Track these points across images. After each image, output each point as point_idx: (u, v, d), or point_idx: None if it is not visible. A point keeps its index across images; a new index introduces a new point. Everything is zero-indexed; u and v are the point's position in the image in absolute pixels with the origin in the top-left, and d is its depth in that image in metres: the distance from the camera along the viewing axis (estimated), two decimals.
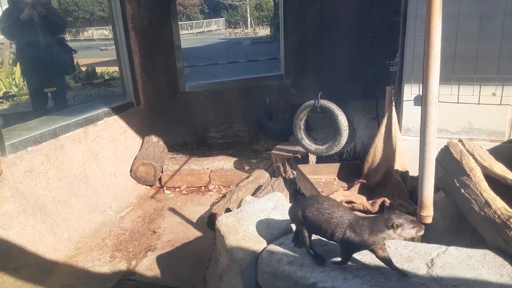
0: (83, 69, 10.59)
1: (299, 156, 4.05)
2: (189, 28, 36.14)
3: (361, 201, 3.15)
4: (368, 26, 3.84)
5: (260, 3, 37.65)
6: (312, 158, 4.12)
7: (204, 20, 38.10)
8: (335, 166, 3.78)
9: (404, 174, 3.24)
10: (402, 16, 3.16)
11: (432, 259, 1.92)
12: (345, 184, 3.66)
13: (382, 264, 1.84)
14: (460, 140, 2.83)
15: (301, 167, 3.68)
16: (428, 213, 1.86)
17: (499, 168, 2.54)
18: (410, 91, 3.29)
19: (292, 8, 6.26)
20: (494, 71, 3.05)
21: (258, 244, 2.15)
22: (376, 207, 2.99)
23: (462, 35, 3.05)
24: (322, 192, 3.48)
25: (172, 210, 4.10)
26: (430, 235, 2.72)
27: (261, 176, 4.22)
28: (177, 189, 4.60)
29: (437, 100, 1.82)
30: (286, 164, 4.09)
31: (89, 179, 4.09)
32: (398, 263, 1.89)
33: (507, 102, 3.11)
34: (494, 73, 3.05)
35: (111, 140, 4.54)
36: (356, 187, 3.40)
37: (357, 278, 1.79)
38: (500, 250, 2.05)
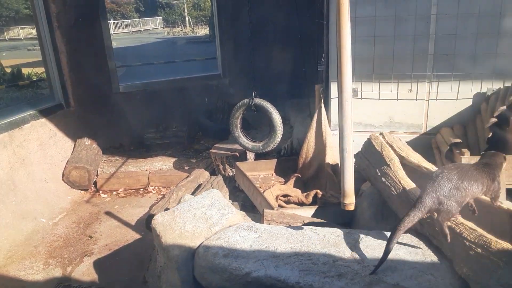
0: (8, 70, 9.86)
1: (237, 154, 4.13)
2: (124, 27, 34.85)
3: (296, 194, 3.31)
4: (297, 27, 4.02)
5: (198, 2, 37.28)
6: (251, 155, 4.23)
7: (140, 19, 36.95)
8: (273, 162, 3.92)
9: (335, 167, 3.44)
10: (325, 18, 3.36)
11: (356, 243, 2.09)
12: (282, 179, 3.81)
13: (311, 250, 1.98)
14: (381, 133, 3.08)
15: (239, 164, 3.77)
16: (351, 200, 2.02)
17: (415, 158, 2.80)
18: (337, 88, 3.50)
19: (226, 8, 6.33)
20: (409, 69, 3.35)
21: (194, 240, 2.19)
22: (310, 199, 3.17)
23: (380, 36, 3.31)
24: (260, 187, 3.60)
25: (109, 214, 3.99)
26: (359, 222, 2.94)
27: (201, 175, 4.24)
28: (114, 192, 4.48)
29: (351, 96, 1.99)
30: (225, 162, 4.15)
31: (17, 186, 3.86)
32: (326, 248, 2.04)
33: (422, 98, 3.42)
34: (409, 71, 3.35)
35: (40, 144, 4.31)
36: (291, 181, 3.56)
37: (287, 265, 1.91)
38: (417, 231, 2.27)
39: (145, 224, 3.53)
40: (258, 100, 3.67)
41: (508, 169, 2.59)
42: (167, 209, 3.39)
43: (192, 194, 3.68)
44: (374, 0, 3.24)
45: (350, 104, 1.92)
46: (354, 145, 3.33)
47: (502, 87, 3.19)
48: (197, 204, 2.52)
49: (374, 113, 3.55)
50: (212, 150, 4.41)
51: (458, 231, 1.93)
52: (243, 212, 3.22)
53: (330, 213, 2.96)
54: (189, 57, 10.01)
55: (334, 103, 3.58)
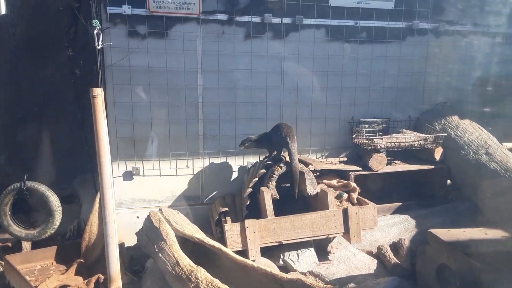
0: None
1: (10, 244, 3.65)
2: None
3: (77, 282, 3.13)
4: (78, 104, 4.07)
5: None
6: (26, 244, 3.78)
7: None
8: (52, 250, 3.60)
9: (120, 246, 3.42)
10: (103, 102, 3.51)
11: None
12: (64, 267, 3.53)
13: None
14: (160, 209, 3.30)
15: (10, 257, 3.33)
16: (117, 285, 2.08)
17: (189, 229, 3.10)
18: (118, 167, 3.62)
19: (1, 76, 5.74)
20: (184, 148, 3.76)
21: None
22: (91, 286, 3.03)
23: (157, 119, 3.65)
24: (36, 281, 3.24)
25: None
26: None
27: None
28: None
29: (112, 185, 2.13)
30: None
31: None
32: None
33: (198, 172, 3.86)
34: (185, 150, 3.77)
35: None
36: (73, 269, 3.34)
37: None
38: None
39: None
40: (31, 184, 3.41)
41: (261, 231, 3.15)
42: None
43: None
44: (148, 88, 3.59)
45: (111, 193, 2.05)
46: (139, 222, 3.46)
47: (258, 160, 3.92)
48: None
49: (157, 189, 3.78)
50: None
51: None
52: None
53: None
54: None
55: (116, 182, 3.65)
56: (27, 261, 3.48)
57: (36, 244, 3.83)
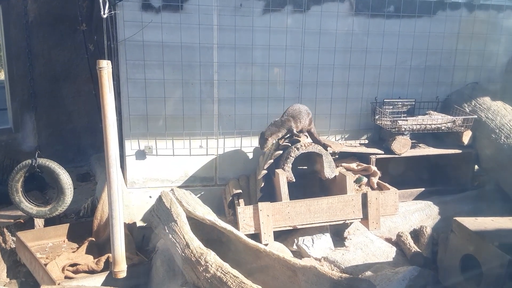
0: None
1: (22, 221, 3.64)
2: None
3: (86, 261, 3.08)
4: (93, 80, 3.96)
5: None
6: (39, 221, 3.76)
7: None
8: (64, 227, 3.57)
9: (131, 226, 3.38)
10: (116, 79, 3.40)
11: None
12: (75, 245, 3.50)
13: None
14: (172, 190, 3.21)
15: (21, 234, 3.32)
16: (121, 268, 2.00)
17: (201, 211, 3.00)
18: (131, 146, 3.53)
19: (18, 51, 5.71)
20: (198, 127, 3.63)
21: None
22: (101, 265, 2.99)
23: (170, 97, 3.52)
24: (46, 258, 3.22)
25: None
26: (153, 281, 2.92)
27: None
28: None
29: (117, 165, 2.02)
30: (6, 232, 3.59)
31: None
32: None
33: (212, 153, 3.73)
34: (199, 129, 3.64)
35: None
36: (84, 247, 3.30)
37: None
38: (195, 285, 2.39)
39: None
40: (42, 161, 3.35)
41: (275, 214, 3.02)
42: None
43: None
44: (162, 65, 3.45)
45: (116, 172, 1.94)
46: (152, 201, 3.38)
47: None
48: None
49: (170, 168, 3.68)
50: None
51: (224, 280, 2.12)
52: None
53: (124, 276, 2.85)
54: None
55: (129, 161, 3.57)
56: (39, 238, 3.46)
57: (50, 221, 3.82)
